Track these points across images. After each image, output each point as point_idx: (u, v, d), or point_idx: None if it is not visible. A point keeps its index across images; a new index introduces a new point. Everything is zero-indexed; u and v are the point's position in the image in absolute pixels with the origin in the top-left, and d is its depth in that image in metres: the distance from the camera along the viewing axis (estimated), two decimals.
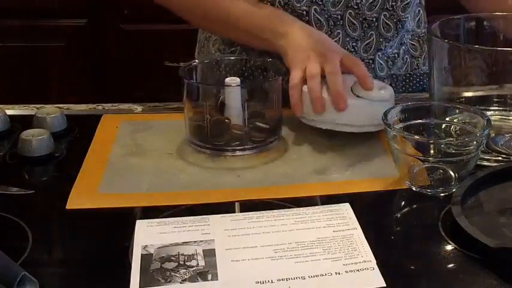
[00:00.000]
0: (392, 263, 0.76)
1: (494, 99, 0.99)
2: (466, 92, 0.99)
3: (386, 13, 1.16)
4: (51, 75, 2.27)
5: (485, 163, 0.94)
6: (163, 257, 0.75)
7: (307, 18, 1.13)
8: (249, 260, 0.75)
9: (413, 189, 0.89)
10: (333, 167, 0.96)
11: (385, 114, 0.91)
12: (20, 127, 1.06)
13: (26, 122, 1.07)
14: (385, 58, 1.20)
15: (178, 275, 0.72)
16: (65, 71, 2.25)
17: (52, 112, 1.07)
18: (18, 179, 0.95)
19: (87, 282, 0.75)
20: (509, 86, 0.97)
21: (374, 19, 1.15)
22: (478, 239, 0.75)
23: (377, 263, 0.74)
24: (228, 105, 0.98)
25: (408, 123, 0.93)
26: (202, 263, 0.74)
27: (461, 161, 0.88)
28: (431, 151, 0.89)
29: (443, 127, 0.96)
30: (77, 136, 1.07)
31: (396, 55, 1.21)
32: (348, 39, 1.15)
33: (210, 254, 0.76)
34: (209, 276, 0.72)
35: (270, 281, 0.71)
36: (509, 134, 0.97)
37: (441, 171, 0.88)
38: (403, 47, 1.22)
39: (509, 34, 1.06)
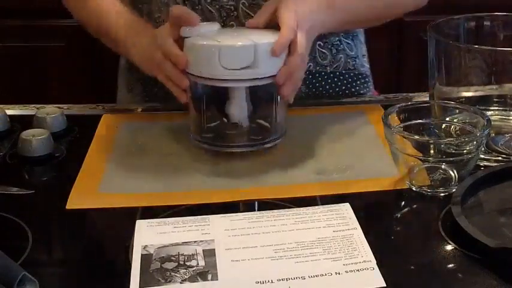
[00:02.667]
0: (393, 263, 0.76)
1: (494, 99, 0.99)
2: (466, 92, 0.99)
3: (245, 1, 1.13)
4: (51, 75, 2.26)
5: (485, 163, 0.94)
6: (163, 257, 0.75)
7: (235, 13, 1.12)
8: (249, 260, 0.75)
9: (413, 189, 0.89)
10: (333, 167, 0.96)
11: (386, 114, 0.91)
12: (20, 127, 1.06)
13: (26, 122, 1.07)
14: None
15: (178, 275, 0.72)
16: (65, 71, 2.25)
17: (52, 112, 1.07)
18: (18, 179, 0.95)
19: (87, 282, 0.75)
20: (509, 86, 0.97)
21: (232, 7, 1.13)
22: (478, 239, 0.75)
23: (377, 263, 0.74)
24: (232, 104, 0.98)
25: (408, 123, 0.93)
26: (202, 263, 0.74)
27: (461, 161, 0.88)
28: (431, 151, 0.89)
29: (443, 127, 0.96)
30: (77, 136, 1.07)
31: None
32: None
33: (210, 254, 0.76)
34: (209, 276, 0.72)
35: (270, 281, 0.71)
36: (509, 134, 0.97)
37: (441, 171, 0.88)
38: (319, 43, 1.20)
39: None
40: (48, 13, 2.18)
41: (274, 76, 0.95)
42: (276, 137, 1.00)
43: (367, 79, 1.28)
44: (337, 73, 1.23)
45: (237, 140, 0.99)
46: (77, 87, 2.21)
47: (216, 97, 0.99)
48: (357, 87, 1.26)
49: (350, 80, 1.25)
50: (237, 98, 0.97)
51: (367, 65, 1.29)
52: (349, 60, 1.24)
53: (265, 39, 0.94)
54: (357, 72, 1.26)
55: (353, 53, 1.25)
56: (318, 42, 1.19)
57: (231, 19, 1.13)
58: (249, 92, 0.97)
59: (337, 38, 1.21)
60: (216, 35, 0.96)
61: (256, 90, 0.98)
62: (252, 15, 1.12)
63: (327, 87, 1.23)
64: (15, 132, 1.06)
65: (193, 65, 0.95)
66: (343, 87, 1.24)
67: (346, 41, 1.23)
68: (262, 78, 0.94)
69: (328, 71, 1.22)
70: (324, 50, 1.21)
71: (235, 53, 0.93)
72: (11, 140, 1.04)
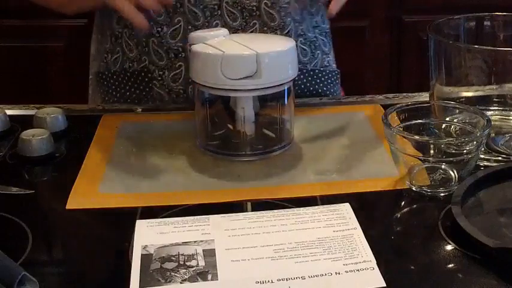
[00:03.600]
0: (392, 263, 0.76)
1: (494, 99, 0.99)
2: (466, 92, 0.99)
3: (267, 1, 1.14)
4: (51, 75, 2.27)
5: (485, 163, 0.94)
6: (163, 257, 0.75)
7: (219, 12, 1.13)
8: (249, 260, 0.75)
9: (413, 189, 0.89)
10: (333, 167, 0.96)
11: (386, 114, 0.91)
12: (20, 127, 1.06)
13: (26, 122, 1.07)
14: None
15: (178, 275, 0.72)
16: (65, 71, 2.25)
17: (52, 112, 1.07)
18: (18, 179, 0.95)
19: (87, 282, 0.75)
20: (509, 86, 0.97)
21: (254, 8, 1.14)
22: (478, 239, 0.75)
23: (377, 263, 0.74)
24: (237, 112, 0.97)
25: (408, 123, 0.93)
26: (202, 263, 0.74)
27: (461, 161, 0.88)
28: (431, 151, 0.89)
29: (443, 127, 0.96)
30: (77, 136, 1.07)
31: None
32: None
33: (210, 254, 0.76)
34: (209, 276, 0.72)
35: (270, 281, 0.71)
36: (509, 134, 0.97)
37: (441, 171, 0.89)
38: (301, 39, 1.21)
39: None
40: (48, 13, 2.18)
41: (277, 86, 0.95)
42: (283, 144, 1.00)
43: (338, 76, 1.31)
44: (316, 71, 1.24)
45: (244, 148, 0.99)
46: (76, 87, 2.21)
47: (222, 105, 0.99)
48: (331, 84, 1.28)
49: (326, 77, 1.26)
50: (242, 106, 0.97)
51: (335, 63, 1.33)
52: (324, 56, 1.26)
53: (269, 48, 0.93)
54: (331, 69, 1.28)
55: (327, 49, 1.27)
56: (300, 39, 1.21)
57: (216, 18, 1.13)
58: (254, 101, 0.97)
59: (313, 35, 1.23)
60: (221, 43, 0.95)
61: (262, 98, 0.98)
62: (236, 13, 1.12)
63: (308, 84, 1.24)
64: (15, 132, 1.06)
65: (198, 73, 0.95)
66: (321, 84, 1.26)
67: (321, 37, 1.25)
68: (265, 87, 0.94)
69: (309, 68, 1.23)
70: (304, 47, 1.22)
71: (237, 63, 0.92)
72: (11, 140, 1.05)
